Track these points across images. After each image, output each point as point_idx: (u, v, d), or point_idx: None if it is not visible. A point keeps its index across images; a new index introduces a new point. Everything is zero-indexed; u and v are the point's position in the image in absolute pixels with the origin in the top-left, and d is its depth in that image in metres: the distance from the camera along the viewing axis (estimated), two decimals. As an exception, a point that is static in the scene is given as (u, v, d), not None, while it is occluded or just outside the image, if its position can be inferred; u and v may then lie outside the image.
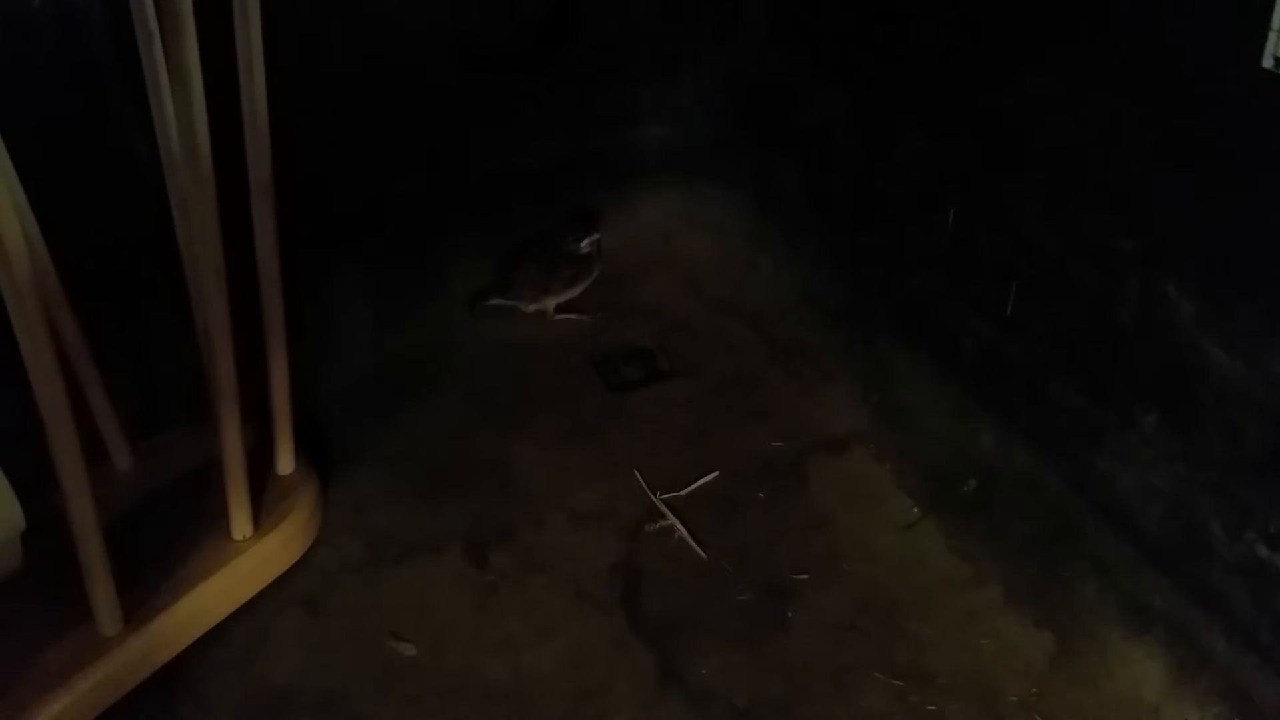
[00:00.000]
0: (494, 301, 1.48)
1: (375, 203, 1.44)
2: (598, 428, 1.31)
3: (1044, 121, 1.08)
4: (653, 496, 1.20)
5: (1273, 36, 0.80)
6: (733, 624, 1.06)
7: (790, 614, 1.07)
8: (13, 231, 0.75)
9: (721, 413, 1.33)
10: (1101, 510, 1.10)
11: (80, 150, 1.13)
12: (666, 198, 1.65)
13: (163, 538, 1.03)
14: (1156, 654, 1.00)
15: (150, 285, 1.13)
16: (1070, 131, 1.04)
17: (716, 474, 1.23)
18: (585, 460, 1.26)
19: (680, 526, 1.16)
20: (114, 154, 1.15)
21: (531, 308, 1.48)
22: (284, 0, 0.93)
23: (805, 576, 1.11)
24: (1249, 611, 0.95)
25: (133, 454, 1.11)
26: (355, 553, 1.13)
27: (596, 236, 1.51)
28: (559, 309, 1.50)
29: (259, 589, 1.06)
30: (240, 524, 1.04)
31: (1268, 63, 0.81)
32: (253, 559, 1.04)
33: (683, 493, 1.21)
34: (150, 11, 0.81)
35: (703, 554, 1.14)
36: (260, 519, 1.06)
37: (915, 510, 1.18)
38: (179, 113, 0.84)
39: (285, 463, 1.12)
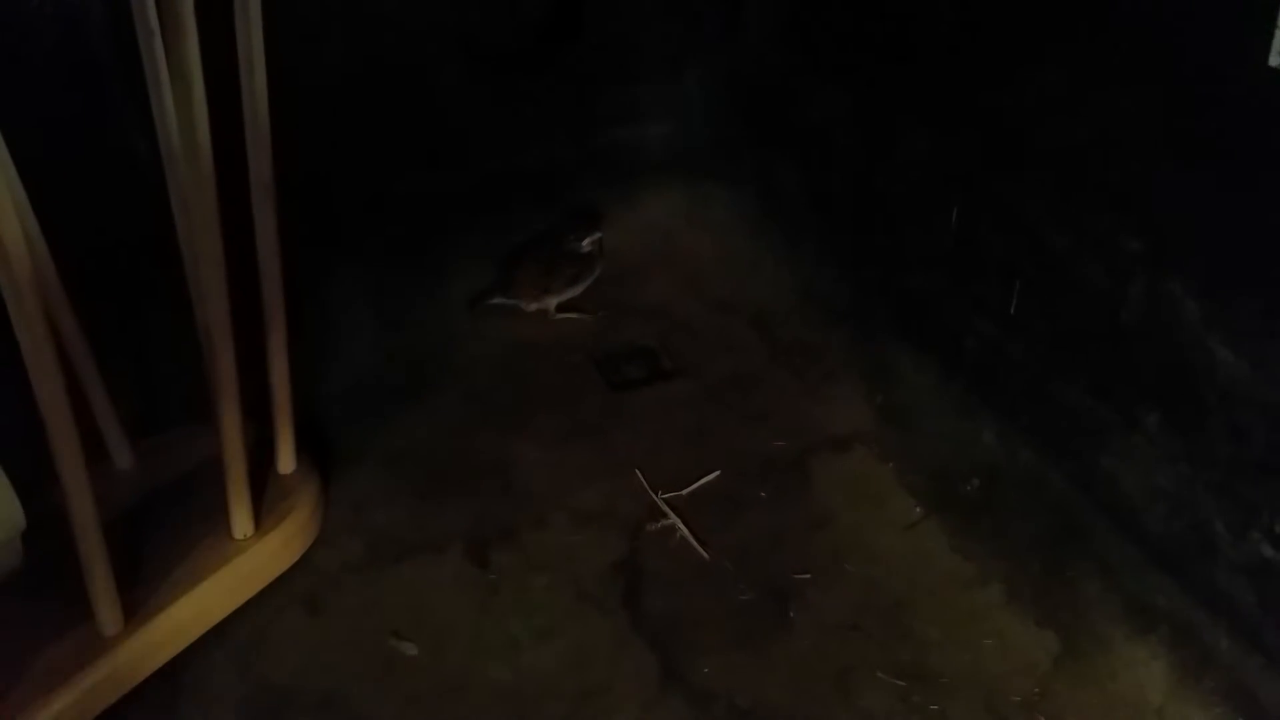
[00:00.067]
0: (495, 300, 1.47)
1: (375, 203, 1.44)
2: (599, 427, 1.30)
3: (1047, 120, 1.07)
4: (654, 496, 1.20)
5: (1279, 34, 0.80)
6: (734, 624, 1.06)
7: (792, 614, 1.07)
8: (13, 230, 0.75)
9: (723, 412, 1.33)
10: (1105, 510, 1.10)
11: (80, 149, 1.13)
12: (668, 197, 1.65)
13: (163, 536, 1.03)
14: (1160, 654, 1.00)
15: (150, 284, 1.12)
16: (1074, 130, 1.04)
17: (718, 473, 1.23)
18: (586, 459, 1.25)
19: (682, 526, 1.16)
20: (114, 152, 1.15)
21: (533, 307, 1.48)
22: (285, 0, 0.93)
23: (807, 576, 1.11)
24: (1253, 611, 0.95)
25: (133, 453, 1.11)
26: (356, 552, 1.13)
27: (598, 235, 1.51)
28: (560, 308, 1.49)
29: (260, 588, 1.06)
30: (241, 523, 1.03)
31: (1274, 61, 0.80)
32: (253, 558, 1.04)
33: (684, 492, 1.21)
34: (151, 9, 0.81)
35: (704, 554, 1.13)
36: (261, 518, 1.05)
37: (918, 509, 1.18)
38: (179, 110, 0.84)
39: (286, 462, 1.12)
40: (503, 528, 1.16)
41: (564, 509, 1.18)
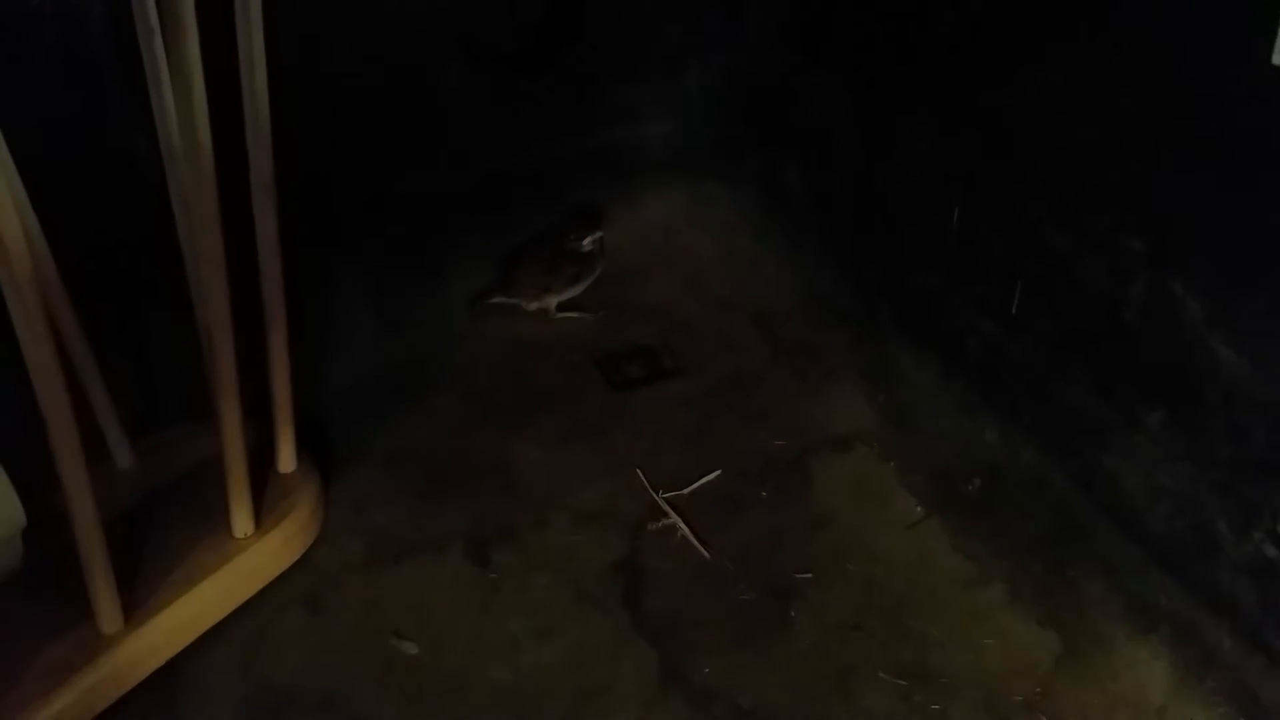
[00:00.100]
0: (496, 299, 1.47)
1: (375, 203, 1.44)
2: (600, 426, 1.30)
3: (1049, 119, 1.07)
4: (655, 495, 1.20)
5: (1281, 32, 0.79)
6: (735, 623, 1.06)
7: (793, 613, 1.07)
8: (13, 229, 0.75)
9: (724, 411, 1.33)
10: (1107, 509, 1.10)
11: (80, 148, 1.13)
12: (669, 196, 1.65)
13: (163, 535, 1.03)
14: (1162, 654, 1.00)
15: (151, 283, 1.12)
16: (1075, 129, 1.04)
17: (719, 473, 1.23)
18: (587, 459, 1.25)
19: (683, 525, 1.16)
20: (114, 151, 1.15)
21: (533, 306, 1.48)
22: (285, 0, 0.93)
23: (809, 576, 1.10)
24: (1255, 611, 0.95)
25: (133, 451, 1.11)
26: (357, 551, 1.12)
27: (599, 234, 1.51)
28: (561, 307, 1.49)
29: (260, 587, 1.06)
30: (241, 522, 1.03)
31: (1277, 59, 0.80)
32: (254, 557, 1.04)
33: (685, 491, 1.20)
34: (151, 8, 0.81)
35: (705, 553, 1.13)
36: (261, 517, 1.05)
37: (919, 509, 1.18)
38: (180, 109, 0.83)
39: (286, 460, 1.12)
40: (503, 527, 1.16)
41: (564, 508, 1.18)
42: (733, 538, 1.15)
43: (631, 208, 1.63)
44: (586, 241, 1.50)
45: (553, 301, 1.48)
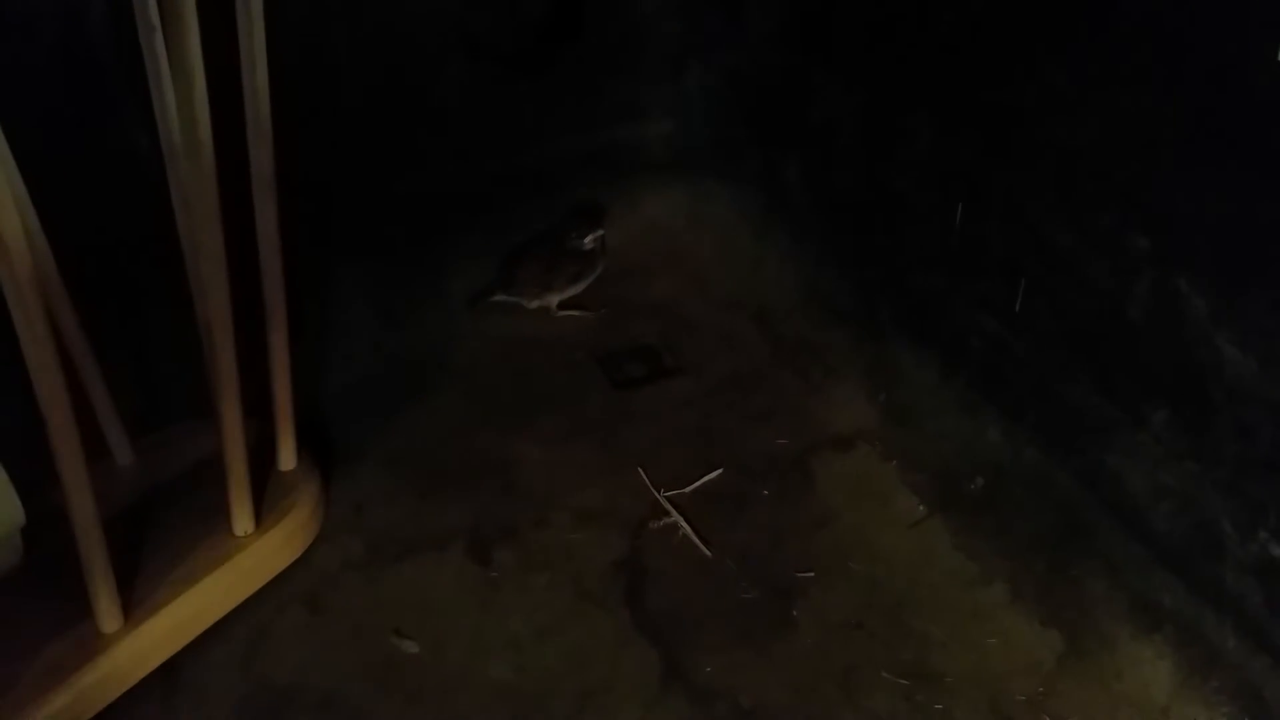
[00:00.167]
0: (497, 298, 1.47)
1: (375, 203, 1.44)
2: (601, 425, 1.30)
3: (1051, 117, 1.07)
4: (656, 494, 1.19)
5: (1286, 28, 0.79)
6: (737, 622, 1.05)
7: (795, 612, 1.06)
8: (13, 226, 0.75)
9: (726, 410, 1.33)
10: (1110, 508, 1.10)
11: (81, 145, 1.13)
12: (671, 195, 1.64)
13: (163, 533, 1.02)
14: (1166, 653, 1.00)
15: (151, 280, 1.12)
16: (1080, 127, 1.04)
17: (721, 471, 1.23)
18: (588, 458, 1.25)
19: (684, 524, 1.16)
20: (115, 149, 1.15)
21: (534, 304, 1.48)
22: (285, -1, 0.93)
23: (810, 575, 1.10)
24: (1260, 611, 0.95)
25: (133, 449, 1.10)
26: (357, 550, 1.12)
27: (600, 232, 1.51)
28: (562, 305, 1.49)
29: (260, 586, 1.05)
30: (242, 520, 1.03)
31: (1281, 55, 0.80)
32: (254, 555, 1.03)
33: (687, 490, 1.20)
34: (152, 5, 0.81)
35: (707, 552, 1.13)
36: (262, 515, 1.05)
37: (922, 508, 1.18)
38: (181, 107, 0.83)
39: (287, 458, 1.12)
40: (504, 526, 1.15)
41: (566, 507, 1.18)
42: (734, 537, 1.14)
43: (632, 207, 1.63)
44: (588, 240, 1.50)
45: (554, 300, 1.48)
